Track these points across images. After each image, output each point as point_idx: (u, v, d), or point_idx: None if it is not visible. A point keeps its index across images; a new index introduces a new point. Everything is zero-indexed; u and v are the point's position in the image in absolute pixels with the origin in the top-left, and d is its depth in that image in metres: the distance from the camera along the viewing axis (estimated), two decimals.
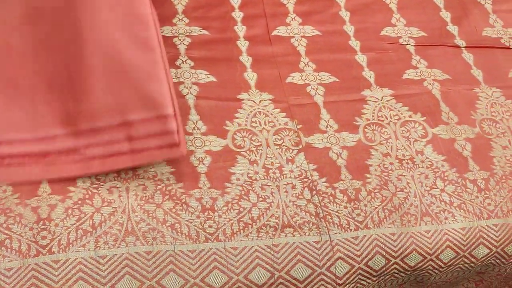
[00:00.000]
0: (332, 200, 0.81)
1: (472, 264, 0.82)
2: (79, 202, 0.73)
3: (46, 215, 0.71)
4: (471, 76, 1.03)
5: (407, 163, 0.87)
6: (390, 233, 0.79)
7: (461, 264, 0.82)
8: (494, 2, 1.19)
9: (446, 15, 1.14)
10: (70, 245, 0.69)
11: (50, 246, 0.68)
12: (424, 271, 0.80)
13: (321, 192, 0.81)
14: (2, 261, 0.67)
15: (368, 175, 0.84)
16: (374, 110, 0.93)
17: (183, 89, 0.89)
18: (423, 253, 0.79)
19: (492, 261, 0.83)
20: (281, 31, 1.04)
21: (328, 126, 0.90)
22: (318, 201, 0.80)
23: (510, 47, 1.09)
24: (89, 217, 0.72)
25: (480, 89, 1.01)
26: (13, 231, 0.69)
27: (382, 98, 0.95)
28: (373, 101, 0.95)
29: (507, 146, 0.92)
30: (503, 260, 0.84)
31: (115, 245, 0.70)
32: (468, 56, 1.07)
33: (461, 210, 0.83)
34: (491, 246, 0.82)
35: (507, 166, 0.89)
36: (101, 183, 0.76)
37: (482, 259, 0.82)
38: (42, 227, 0.70)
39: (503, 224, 0.83)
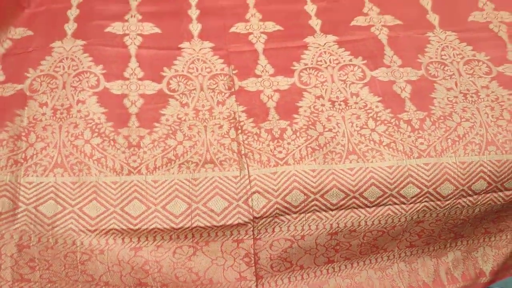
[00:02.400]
0: (256, 139, 0.82)
1: (404, 206, 0.81)
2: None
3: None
4: (426, 21, 1.00)
5: (340, 105, 0.87)
6: (310, 170, 0.79)
7: (390, 204, 0.81)
8: None
9: None
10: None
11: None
12: (349, 210, 0.80)
13: (246, 132, 0.83)
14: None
15: (296, 116, 0.85)
16: (314, 55, 0.94)
17: (127, 40, 0.95)
18: (345, 189, 0.79)
19: (426, 204, 0.82)
20: None
21: (264, 71, 0.91)
22: (242, 139, 0.82)
23: None
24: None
25: (434, 33, 0.98)
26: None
27: (324, 44, 0.95)
28: (315, 47, 0.95)
29: (452, 88, 0.89)
30: (438, 202, 0.81)
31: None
32: (426, 1, 1.04)
33: (390, 149, 0.82)
34: (421, 186, 0.80)
35: (447, 107, 0.86)
36: None
37: (413, 199, 0.81)
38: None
39: (435, 163, 0.81)
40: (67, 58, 0.90)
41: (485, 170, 0.81)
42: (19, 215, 0.74)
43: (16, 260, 0.75)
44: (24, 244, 0.74)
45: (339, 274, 0.88)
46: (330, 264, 0.87)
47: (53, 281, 0.77)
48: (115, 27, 0.97)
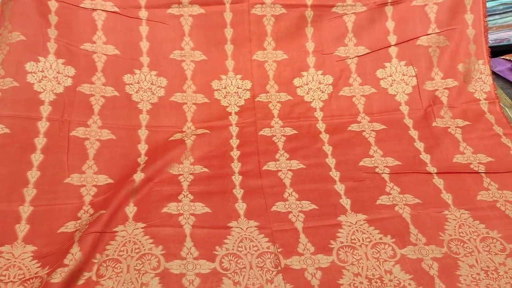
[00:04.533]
0: None
1: None
2: None
3: None
4: (441, 200, 1.14)
5: (376, 282, 0.96)
6: None
7: None
8: (464, 131, 1.33)
9: (419, 145, 1.30)
10: None
11: None
12: None
13: None
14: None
15: None
16: (348, 233, 1.06)
17: (181, 220, 1.07)
18: None
19: None
20: (270, 166, 1.23)
21: (305, 249, 1.02)
22: None
23: (479, 171, 1.21)
24: None
25: (449, 211, 1.11)
26: None
27: (356, 222, 1.08)
28: (348, 226, 1.07)
29: (473, 265, 1.00)
30: None
31: None
32: (438, 181, 1.19)
33: None
34: None
35: (472, 284, 0.96)
36: None
37: None
38: None
39: None
40: (129, 241, 1.01)
41: None
42: None
43: None
44: None
45: None
46: None
47: None
48: (170, 207, 1.09)
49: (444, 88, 1.42)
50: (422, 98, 1.41)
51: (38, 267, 0.96)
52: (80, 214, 1.07)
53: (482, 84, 1.43)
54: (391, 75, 1.43)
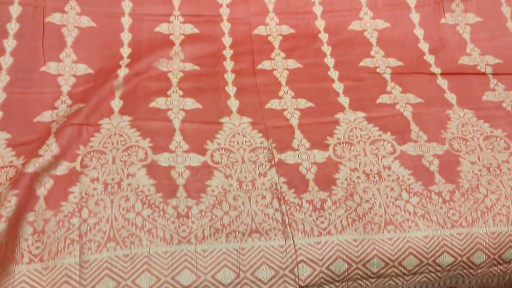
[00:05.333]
0: (299, 209, 0.87)
1: (438, 274, 0.85)
2: None
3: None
4: (445, 100, 1.09)
5: (374, 177, 0.92)
6: (352, 239, 0.84)
7: (426, 272, 0.85)
8: (473, 30, 1.26)
9: (424, 45, 1.22)
10: None
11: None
12: (388, 278, 0.84)
13: (289, 202, 0.88)
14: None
15: (334, 187, 0.90)
16: (346, 130, 1.01)
17: (170, 114, 1.01)
18: (385, 259, 0.83)
19: (460, 272, 0.86)
20: (265, 65, 1.16)
21: (301, 144, 0.98)
22: (285, 209, 0.87)
23: (485, 73, 1.15)
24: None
25: (453, 111, 1.06)
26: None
27: (354, 120, 1.03)
28: (346, 123, 1.02)
29: (475, 162, 0.96)
30: (471, 270, 0.86)
31: None
32: (442, 82, 1.13)
33: (425, 220, 0.87)
34: (455, 255, 0.85)
35: (474, 180, 0.93)
36: None
37: (448, 267, 0.85)
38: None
39: (467, 233, 0.86)
40: (115, 133, 0.96)
41: None
42: None
43: None
44: None
45: None
46: None
47: None
48: (159, 102, 1.04)
49: None
50: None
51: (12, 156, 0.91)
52: (57, 104, 1.02)
53: None
54: None
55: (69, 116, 0.97)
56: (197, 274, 0.79)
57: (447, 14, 1.28)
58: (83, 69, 1.10)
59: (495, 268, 0.87)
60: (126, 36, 1.18)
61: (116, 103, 1.02)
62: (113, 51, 1.14)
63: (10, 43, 1.07)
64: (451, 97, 1.10)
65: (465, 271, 0.86)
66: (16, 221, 0.80)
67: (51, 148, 0.90)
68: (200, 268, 0.79)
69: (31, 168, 0.86)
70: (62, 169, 0.89)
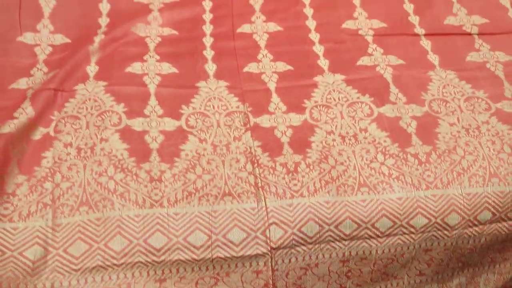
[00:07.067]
0: (272, 172, 0.87)
1: (412, 236, 0.85)
2: None
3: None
4: (427, 61, 1.07)
5: (350, 140, 0.91)
6: (325, 201, 0.83)
7: (400, 234, 0.84)
8: None
9: (409, 6, 1.19)
10: None
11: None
12: (361, 241, 0.84)
13: (262, 165, 0.88)
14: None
15: (309, 150, 0.90)
16: (323, 93, 0.99)
17: (146, 79, 1.00)
18: (358, 221, 0.82)
19: (434, 233, 0.85)
20: (245, 28, 1.14)
21: (277, 108, 0.96)
22: (258, 173, 0.87)
23: (471, 33, 1.12)
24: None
25: (435, 73, 1.04)
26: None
27: (333, 82, 1.01)
28: (324, 86, 1.01)
29: (454, 123, 0.94)
30: (446, 232, 0.85)
31: None
32: (426, 43, 1.11)
33: (399, 182, 0.86)
34: (429, 216, 0.84)
35: (451, 141, 0.91)
36: None
37: (422, 229, 0.84)
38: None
39: (442, 194, 0.85)
40: (89, 99, 0.95)
41: (489, 201, 0.86)
42: (49, 262, 0.76)
43: None
44: None
45: None
46: None
47: None
48: (135, 67, 1.02)
49: None
50: None
51: None
52: (33, 71, 1.01)
53: None
54: None
55: (44, 82, 0.97)
56: (169, 236, 0.79)
57: None
58: (60, 38, 1.08)
59: (470, 229, 0.86)
60: (104, 7, 1.16)
61: (92, 69, 1.01)
62: (91, 21, 1.12)
63: None
64: (434, 58, 1.07)
65: (439, 232, 0.86)
66: None
67: (27, 111, 0.90)
68: (172, 231, 0.80)
69: (6, 129, 0.86)
70: (36, 133, 0.89)
